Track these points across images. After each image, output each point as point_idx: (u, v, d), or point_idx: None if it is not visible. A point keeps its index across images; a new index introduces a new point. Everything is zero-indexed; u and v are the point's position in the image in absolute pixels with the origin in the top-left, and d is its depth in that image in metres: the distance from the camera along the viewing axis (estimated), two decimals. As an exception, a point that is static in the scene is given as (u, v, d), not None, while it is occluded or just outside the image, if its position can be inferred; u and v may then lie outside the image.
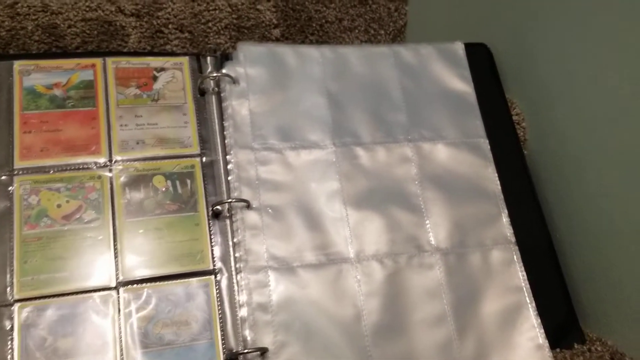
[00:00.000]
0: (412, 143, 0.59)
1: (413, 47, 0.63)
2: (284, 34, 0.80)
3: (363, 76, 0.61)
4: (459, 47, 0.64)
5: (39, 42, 0.70)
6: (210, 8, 0.76)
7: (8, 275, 0.48)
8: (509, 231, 0.58)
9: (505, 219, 0.58)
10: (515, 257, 0.57)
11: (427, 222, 0.57)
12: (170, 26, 0.74)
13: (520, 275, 0.56)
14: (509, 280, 0.56)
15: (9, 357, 0.46)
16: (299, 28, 0.81)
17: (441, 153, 0.59)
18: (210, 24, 0.76)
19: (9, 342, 0.46)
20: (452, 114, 0.61)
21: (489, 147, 0.61)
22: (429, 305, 0.54)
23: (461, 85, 0.63)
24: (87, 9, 0.72)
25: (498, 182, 0.60)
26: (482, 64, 0.66)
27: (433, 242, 0.56)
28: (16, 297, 0.47)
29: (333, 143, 0.57)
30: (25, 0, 0.70)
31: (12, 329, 0.46)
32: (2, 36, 0.68)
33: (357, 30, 0.85)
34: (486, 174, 0.60)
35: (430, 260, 0.55)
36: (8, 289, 0.48)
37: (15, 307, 0.47)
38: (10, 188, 0.50)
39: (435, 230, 0.56)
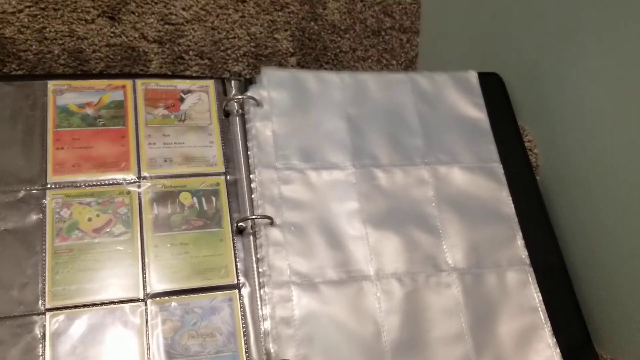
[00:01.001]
0: (429, 166, 0.63)
1: (429, 75, 0.68)
2: (299, 62, 0.85)
3: (381, 101, 0.66)
4: (473, 76, 0.70)
5: (65, 65, 0.74)
6: (230, 36, 0.82)
7: (40, 285, 0.51)
8: (523, 253, 0.62)
9: (519, 241, 0.62)
10: (530, 278, 0.60)
11: (444, 242, 0.60)
12: (190, 53, 0.80)
13: (535, 296, 0.60)
14: (524, 300, 0.59)
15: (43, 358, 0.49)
16: (315, 57, 0.86)
17: (457, 176, 0.64)
18: (229, 52, 0.81)
19: (41, 350, 0.49)
20: (467, 139, 0.66)
21: (502, 171, 0.65)
22: (447, 323, 0.57)
23: (475, 112, 0.68)
24: (112, 34, 0.77)
25: (512, 205, 0.64)
26: (494, 92, 0.71)
27: (450, 262, 0.60)
28: (48, 306, 0.51)
29: (353, 165, 0.62)
30: (53, 25, 0.75)
31: (43, 336, 0.49)
32: (30, 59, 0.73)
33: (370, 60, 0.90)
34: (501, 198, 0.64)
35: (448, 279, 0.59)
36: (40, 298, 0.51)
37: (47, 316, 0.50)
38: (43, 201, 0.54)
39: (452, 250, 0.60)
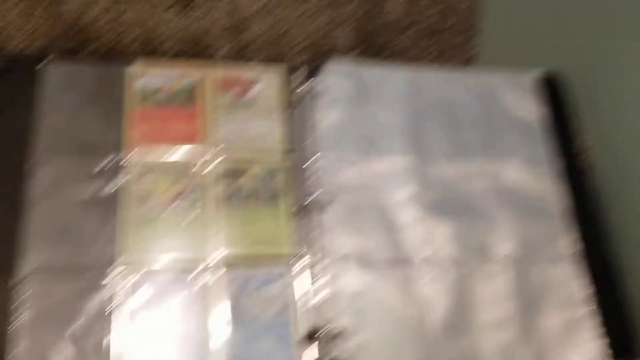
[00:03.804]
0: (484, 161, 0.68)
1: (487, 73, 0.73)
2: (359, 57, 0.91)
3: (439, 96, 0.71)
4: (531, 76, 0.74)
5: (138, 50, 0.83)
6: (293, 30, 0.88)
7: (116, 247, 0.58)
8: (573, 248, 0.66)
9: (570, 236, 0.66)
10: (578, 272, 0.65)
11: (496, 233, 0.65)
12: (254, 45, 0.87)
13: (582, 290, 0.64)
14: (571, 293, 0.63)
15: (112, 317, 0.56)
16: (374, 52, 0.92)
17: (512, 172, 0.68)
18: (292, 44, 0.88)
19: (116, 303, 0.56)
20: (524, 137, 0.71)
21: (557, 169, 0.70)
22: (493, 310, 0.61)
23: (532, 110, 0.72)
24: (182, 24, 0.85)
25: (565, 202, 0.68)
26: (552, 92, 0.75)
27: (500, 252, 0.64)
28: (123, 266, 0.58)
29: (410, 154, 0.67)
30: (129, 13, 0.83)
31: (117, 293, 0.57)
32: (106, 44, 0.82)
33: (427, 59, 0.96)
34: (551, 195, 0.68)
35: (497, 268, 0.63)
36: (117, 258, 0.58)
37: (122, 274, 0.57)
38: (122, 172, 0.61)
39: (503, 241, 0.65)
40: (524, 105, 0.73)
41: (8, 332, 0.53)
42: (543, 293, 0.63)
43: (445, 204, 0.66)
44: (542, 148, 0.71)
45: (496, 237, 0.65)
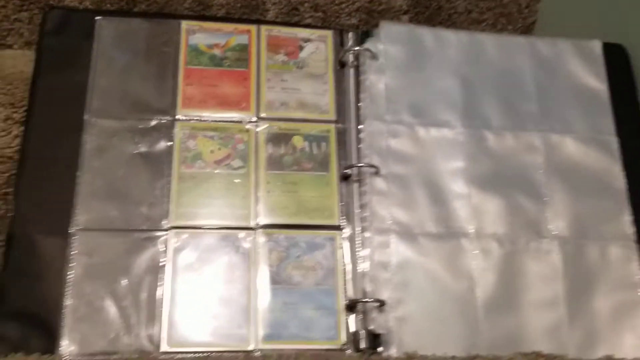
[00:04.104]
0: (541, 133, 0.66)
1: (550, 41, 0.70)
2: (412, 20, 0.88)
3: (497, 64, 0.68)
4: (596, 45, 0.70)
5: (189, 9, 0.82)
6: (346, -9, 0.86)
7: (165, 206, 0.59)
8: (630, 229, 0.63)
9: (627, 217, 0.63)
10: (634, 254, 0.62)
11: (548, 210, 0.63)
12: (306, 5, 0.85)
13: (637, 273, 0.61)
14: (625, 276, 0.61)
15: (160, 274, 0.57)
16: (428, 16, 0.89)
17: (569, 146, 0.66)
18: (343, 6, 0.86)
19: (163, 261, 0.57)
20: (584, 110, 0.67)
21: (617, 145, 0.66)
22: (542, 288, 0.60)
23: (595, 82, 0.69)
24: (234, -17, 0.83)
25: (624, 180, 0.65)
26: (617, 64, 0.71)
27: (553, 230, 0.62)
28: (172, 224, 0.59)
29: (462, 124, 0.65)
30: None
31: (166, 251, 0.58)
32: (158, 0, 0.81)
33: (485, 24, 0.91)
34: (612, 172, 0.65)
35: (548, 246, 0.61)
36: (165, 217, 0.59)
37: (170, 233, 0.58)
38: (172, 131, 0.62)
39: (556, 218, 0.63)
40: (589, 76, 0.69)
41: (61, 287, 0.55)
42: (596, 273, 0.61)
43: (497, 177, 0.64)
44: (604, 122, 0.68)
45: (549, 214, 0.63)
